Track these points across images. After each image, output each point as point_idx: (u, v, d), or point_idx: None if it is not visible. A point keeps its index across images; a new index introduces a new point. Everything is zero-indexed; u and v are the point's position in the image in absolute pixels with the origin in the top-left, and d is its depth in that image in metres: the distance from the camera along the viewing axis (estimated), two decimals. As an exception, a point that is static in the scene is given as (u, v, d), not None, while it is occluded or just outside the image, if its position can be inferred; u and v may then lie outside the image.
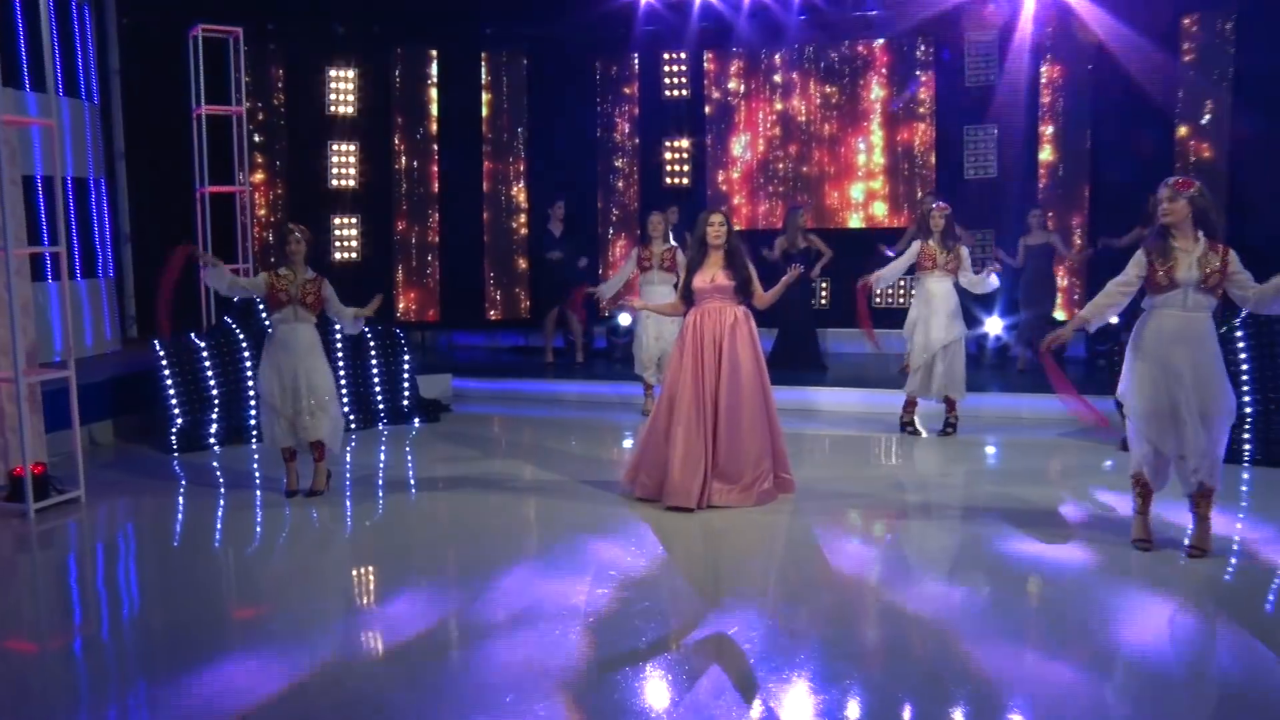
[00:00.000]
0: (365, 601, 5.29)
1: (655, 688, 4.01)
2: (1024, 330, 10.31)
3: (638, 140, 12.74)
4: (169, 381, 8.31)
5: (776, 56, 12.27)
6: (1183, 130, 10.58)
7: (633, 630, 4.56)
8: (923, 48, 11.81)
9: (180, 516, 6.77)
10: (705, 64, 12.49)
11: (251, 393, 7.90)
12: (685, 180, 12.61)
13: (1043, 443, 8.28)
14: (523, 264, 12.83)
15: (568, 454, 8.29)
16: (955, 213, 8.63)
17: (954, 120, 11.72)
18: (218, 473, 7.69)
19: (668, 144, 12.63)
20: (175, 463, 7.94)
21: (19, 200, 6.72)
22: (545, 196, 12.26)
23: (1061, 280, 10.98)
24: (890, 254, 8.98)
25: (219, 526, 6.46)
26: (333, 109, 12.21)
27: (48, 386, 6.87)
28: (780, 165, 12.39)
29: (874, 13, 11.76)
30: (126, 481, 7.36)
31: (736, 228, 6.82)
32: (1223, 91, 10.33)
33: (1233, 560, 5.44)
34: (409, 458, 8.33)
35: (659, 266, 9.16)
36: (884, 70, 12.00)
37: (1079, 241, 11.11)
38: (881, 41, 11.95)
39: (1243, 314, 6.99)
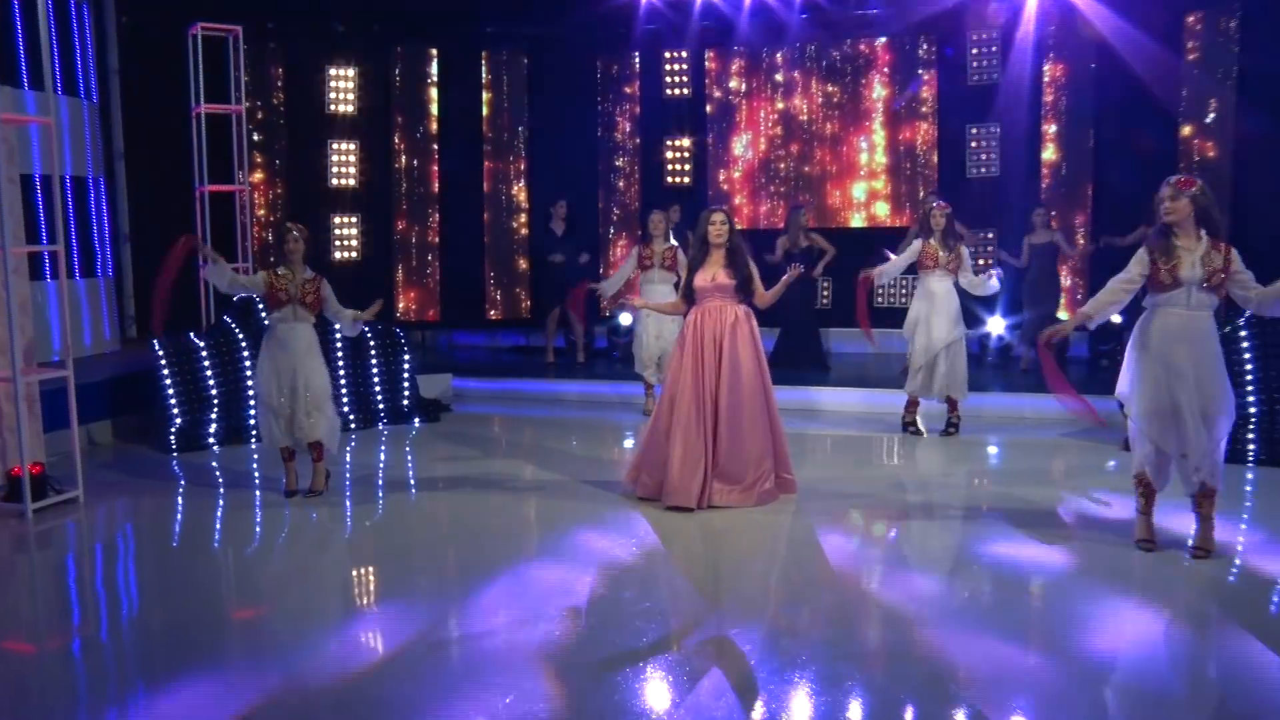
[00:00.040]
0: (365, 602, 5.27)
1: (656, 688, 3.99)
2: (1027, 330, 10.27)
3: (639, 139, 12.71)
4: (168, 381, 8.28)
5: (778, 55, 12.24)
6: (1186, 129, 10.54)
7: (633, 630, 4.55)
8: (925, 46, 11.78)
9: (179, 517, 6.75)
10: (707, 63, 12.46)
11: (251, 393, 7.87)
12: (686, 179, 12.58)
13: (1045, 443, 8.25)
14: (523, 264, 12.80)
15: (568, 454, 8.27)
16: (957, 212, 8.60)
17: (956, 119, 11.68)
18: (217, 473, 7.66)
19: (669, 143, 12.60)
20: (174, 463, 7.91)
21: (17, 199, 6.68)
22: (546, 196, 12.23)
23: (1065, 280, 10.94)
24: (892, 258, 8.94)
25: (218, 527, 6.44)
26: (333, 108, 12.18)
27: (46, 386, 6.84)
28: (782, 165, 12.36)
29: (875, 11, 11.72)
30: (125, 482, 7.34)
31: (738, 227, 6.79)
32: (1227, 90, 10.29)
33: (1237, 561, 5.42)
34: (409, 458, 8.31)
35: (660, 265, 9.13)
36: (886, 69, 11.96)
37: (1081, 241, 11.08)
38: (883, 40, 11.91)
39: (1246, 314, 6.97)
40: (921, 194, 11.35)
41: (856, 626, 4.65)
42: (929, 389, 8.36)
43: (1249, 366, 7.33)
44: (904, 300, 11.13)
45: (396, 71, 12.46)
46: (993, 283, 8.21)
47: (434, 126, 12.60)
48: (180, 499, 7.07)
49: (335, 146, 12.22)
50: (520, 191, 12.81)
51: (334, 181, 12.26)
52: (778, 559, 5.76)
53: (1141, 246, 5.33)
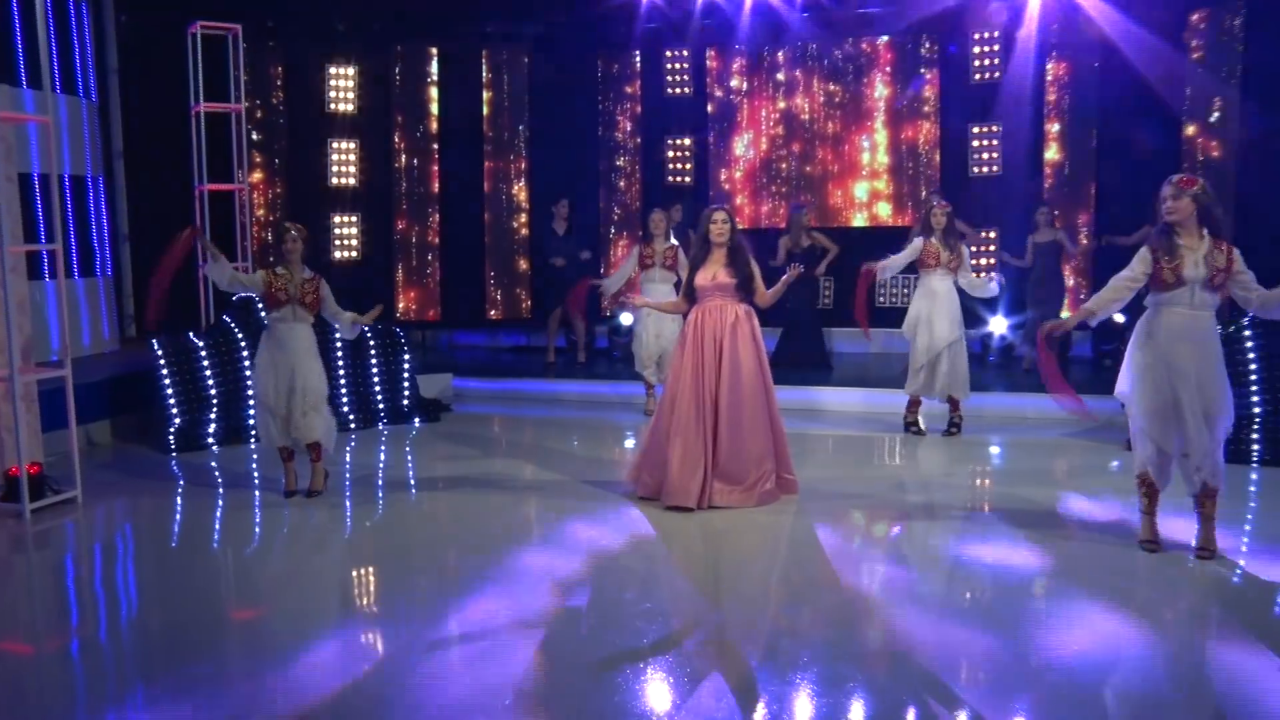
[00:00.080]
0: (364, 602, 5.25)
1: (657, 689, 3.97)
2: (1030, 329, 10.24)
3: (640, 139, 12.67)
4: (167, 381, 8.26)
5: (779, 54, 12.20)
6: (1190, 129, 10.50)
7: (634, 631, 4.53)
8: (927, 45, 11.74)
9: (178, 517, 6.72)
10: (708, 61, 12.41)
11: (250, 393, 7.85)
12: (688, 179, 12.54)
13: (1047, 443, 8.22)
14: (523, 264, 12.77)
15: (568, 454, 8.25)
16: (960, 211, 8.56)
17: (959, 118, 11.65)
18: (216, 473, 7.64)
19: (670, 142, 12.58)
20: (173, 463, 7.89)
21: (15, 197, 6.65)
22: (546, 195, 12.20)
23: (1068, 279, 10.90)
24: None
25: (217, 527, 6.41)
26: (332, 107, 12.15)
27: (44, 386, 6.81)
28: (783, 165, 12.32)
29: (877, 10, 11.69)
30: (124, 482, 7.31)
31: (739, 227, 6.76)
32: (1231, 89, 10.25)
33: (1241, 562, 5.39)
34: (409, 458, 8.29)
35: (661, 265, 9.11)
36: (888, 68, 11.93)
37: (1084, 240, 11.05)
38: (885, 39, 11.88)
39: (1250, 315, 6.94)
40: (924, 193, 11.32)
41: (858, 627, 4.62)
42: (930, 389, 8.33)
43: (1253, 367, 7.31)
44: (905, 300, 11.09)
45: (396, 70, 12.43)
46: (992, 286, 8.18)
47: (434, 126, 12.57)
48: (179, 499, 7.04)
49: (335, 146, 12.20)
50: (521, 191, 12.77)
51: (334, 181, 12.24)
52: (779, 559, 5.73)
53: (1144, 245, 5.31)
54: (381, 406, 9.21)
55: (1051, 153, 11.30)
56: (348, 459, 7.97)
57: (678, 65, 12.46)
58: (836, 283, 11.67)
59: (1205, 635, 4.55)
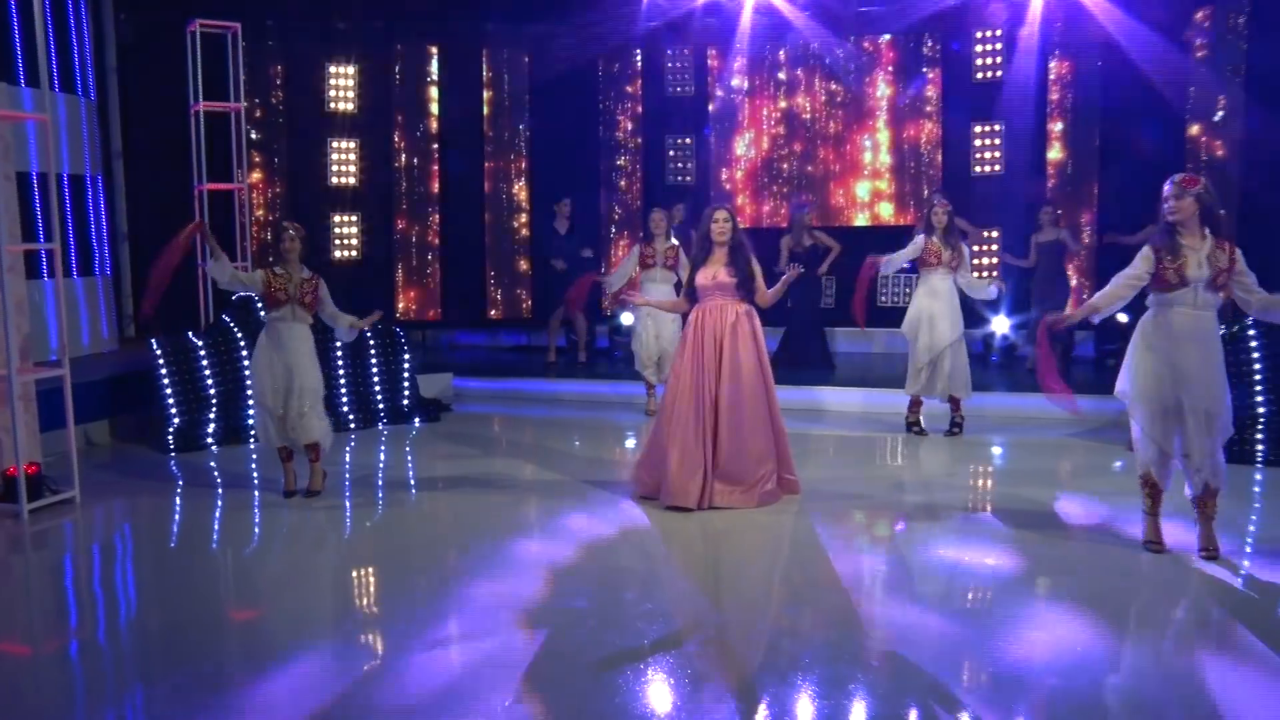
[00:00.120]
0: (364, 603, 5.22)
1: (657, 690, 3.95)
2: (1033, 329, 10.20)
3: (641, 138, 12.64)
4: (166, 381, 8.22)
5: (781, 53, 12.18)
6: (1194, 128, 10.47)
7: (635, 632, 4.50)
8: (929, 44, 11.71)
9: (177, 517, 6.69)
10: (709, 61, 12.39)
11: (250, 392, 7.82)
12: (689, 178, 12.52)
13: (1050, 443, 8.20)
14: (524, 264, 12.75)
15: (569, 454, 8.22)
16: (962, 211, 8.52)
17: (961, 117, 11.62)
18: (215, 473, 7.61)
19: (671, 142, 12.54)
20: (172, 463, 7.86)
21: (13, 196, 6.63)
22: (547, 195, 12.17)
23: (1072, 279, 10.86)
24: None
25: (216, 527, 6.38)
26: (332, 106, 12.13)
27: (42, 385, 6.78)
28: (785, 164, 12.29)
29: (879, 9, 11.65)
30: (122, 482, 7.28)
31: (741, 226, 6.72)
32: (1235, 88, 10.22)
33: (1246, 563, 5.36)
34: (409, 458, 8.26)
35: (662, 265, 9.08)
36: (890, 67, 11.90)
37: (1086, 239, 11.02)
38: (887, 38, 11.85)
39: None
40: (926, 193, 11.29)
41: (859, 628, 4.58)
42: (932, 388, 8.30)
43: (1257, 367, 7.27)
44: (905, 300, 11.06)
45: (397, 69, 12.40)
46: (991, 290, 8.14)
47: (434, 125, 12.54)
48: (178, 499, 7.01)
49: (335, 145, 12.17)
50: (521, 191, 12.74)
51: (334, 180, 12.21)
52: (780, 560, 5.70)
53: (1146, 245, 5.28)
54: (381, 406, 9.18)
55: (1054, 152, 11.28)
56: (347, 459, 7.94)
57: (679, 64, 12.43)
58: (838, 282, 11.63)
59: (1208, 636, 4.51)
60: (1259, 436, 7.23)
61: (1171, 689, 3.97)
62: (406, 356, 9.37)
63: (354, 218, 12.29)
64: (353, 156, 12.25)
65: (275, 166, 12.09)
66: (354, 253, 12.30)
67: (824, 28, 11.80)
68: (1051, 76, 11.20)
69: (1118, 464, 7.44)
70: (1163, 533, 5.44)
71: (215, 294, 9.12)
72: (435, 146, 12.56)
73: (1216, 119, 10.35)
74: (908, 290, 11.41)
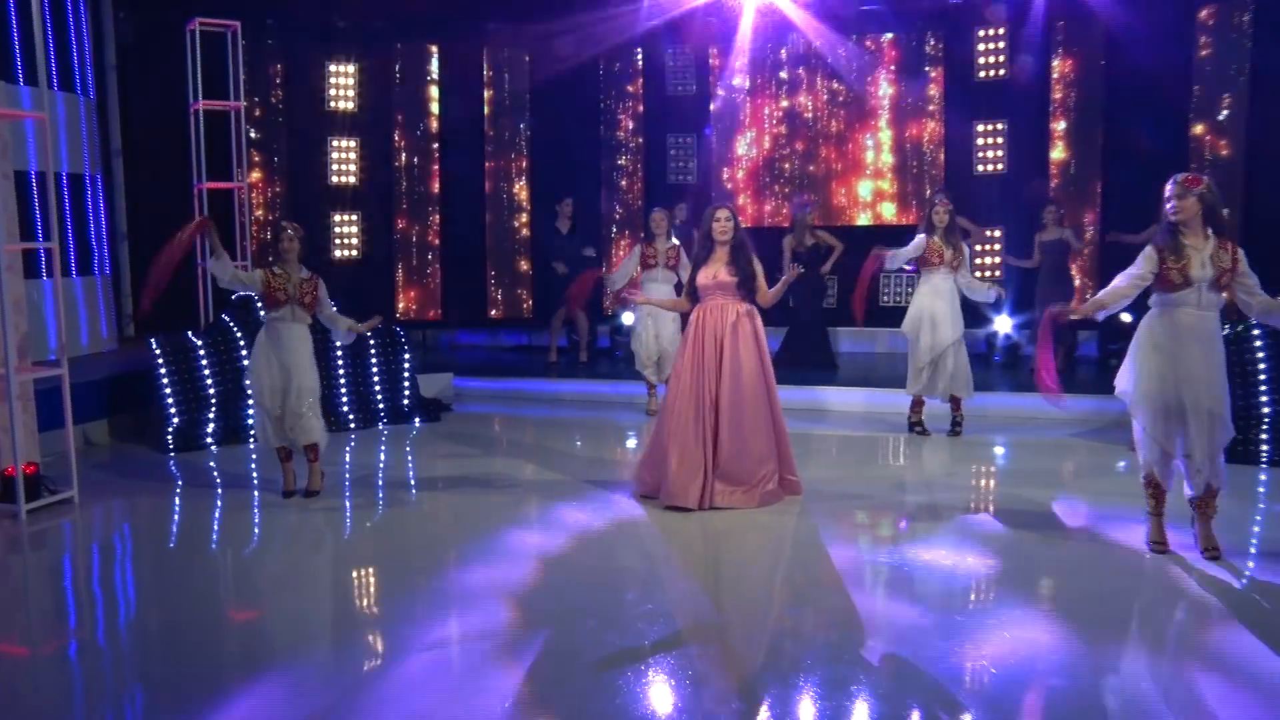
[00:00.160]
0: (364, 603, 5.20)
1: (658, 692, 3.92)
2: (1036, 330, 10.17)
3: (642, 138, 12.61)
4: (165, 380, 8.19)
5: (782, 51, 12.14)
6: (1198, 127, 10.43)
7: (636, 633, 4.48)
8: (931, 42, 11.68)
9: (176, 517, 6.67)
10: (710, 60, 12.36)
11: (249, 392, 7.80)
12: (690, 178, 12.49)
13: (1053, 443, 8.17)
14: (524, 264, 12.72)
15: (570, 454, 8.20)
16: (965, 210, 8.48)
17: (963, 116, 11.58)
18: (214, 473, 7.58)
19: (672, 141, 12.50)
20: (171, 463, 7.83)
21: (11, 195, 6.61)
22: (548, 195, 12.15)
23: (1076, 278, 10.83)
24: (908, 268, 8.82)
25: (215, 527, 6.35)
26: (332, 105, 12.10)
27: (41, 385, 6.76)
28: (786, 164, 12.26)
29: (881, 7, 11.61)
30: (121, 482, 7.26)
31: (743, 225, 6.70)
32: (1240, 86, 10.18)
33: (1250, 564, 5.33)
34: (409, 458, 8.23)
35: (663, 265, 9.05)
36: (892, 66, 11.87)
37: (1088, 236, 10.99)
38: (889, 36, 11.82)
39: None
40: (928, 192, 11.26)
41: (861, 629, 4.55)
42: (933, 389, 8.26)
43: (1262, 366, 7.24)
44: (907, 299, 11.02)
45: (397, 68, 12.38)
46: (990, 293, 8.09)
47: (434, 124, 12.52)
48: (177, 499, 6.98)
49: (335, 144, 12.15)
50: (522, 190, 12.71)
51: (334, 179, 12.19)
52: (781, 560, 5.68)
53: (1149, 245, 5.25)
54: (382, 406, 9.15)
55: (1058, 151, 11.23)
56: (347, 459, 7.92)
57: (680, 63, 12.40)
58: (841, 282, 11.60)
59: (1211, 637, 4.47)
60: (1264, 436, 7.19)
61: (1174, 690, 3.94)
62: (407, 356, 9.34)
63: (354, 217, 12.27)
64: (353, 156, 12.22)
65: (275, 165, 12.07)
66: (354, 252, 12.28)
67: (826, 26, 11.76)
68: (1055, 75, 11.16)
69: (1121, 464, 7.40)
70: (1167, 533, 5.41)
71: (216, 293, 9.10)
72: (435, 146, 12.53)
73: (1221, 118, 10.31)
74: (909, 289, 11.38)
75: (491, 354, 12.54)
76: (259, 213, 11.75)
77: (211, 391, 8.39)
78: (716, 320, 6.31)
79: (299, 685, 4.05)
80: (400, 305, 12.48)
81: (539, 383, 10.65)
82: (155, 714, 3.91)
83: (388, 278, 12.41)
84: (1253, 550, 5.57)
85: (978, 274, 10.24)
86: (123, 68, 11.24)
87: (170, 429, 8.13)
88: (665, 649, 4.31)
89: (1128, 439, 7.24)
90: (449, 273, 12.63)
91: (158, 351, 8.21)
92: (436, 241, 12.60)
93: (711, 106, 12.41)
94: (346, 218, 12.23)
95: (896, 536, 5.96)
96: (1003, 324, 10.60)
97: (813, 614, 4.80)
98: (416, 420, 9.22)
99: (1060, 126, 11.19)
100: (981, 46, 11.38)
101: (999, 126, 11.40)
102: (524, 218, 12.71)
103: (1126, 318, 7.59)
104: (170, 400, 8.19)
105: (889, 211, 11.96)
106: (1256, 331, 7.23)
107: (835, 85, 12.04)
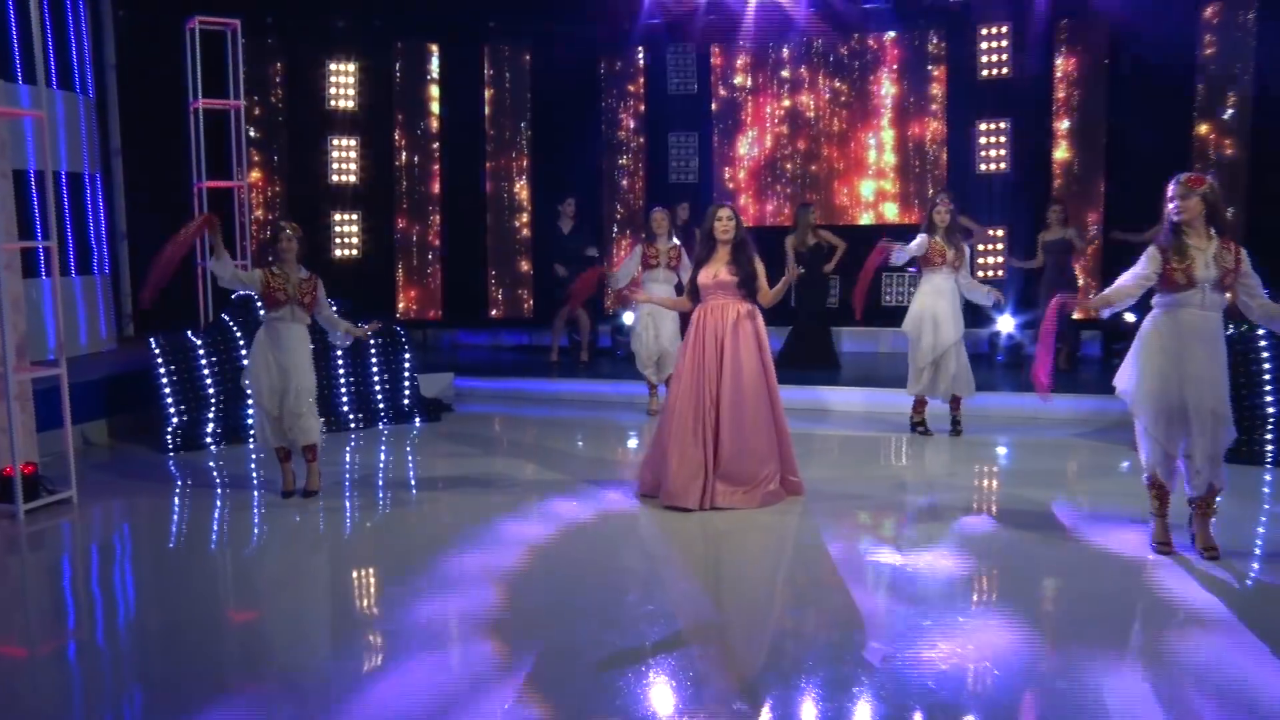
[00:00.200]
0: (364, 604, 5.17)
1: (659, 692, 3.89)
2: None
3: (643, 137, 12.59)
4: (165, 380, 8.16)
5: (784, 50, 12.12)
6: (1203, 126, 10.39)
7: (637, 633, 4.46)
8: (934, 41, 11.65)
9: (175, 517, 6.65)
10: (712, 58, 12.33)
11: (248, 392, 7.78)
12: (692, 177, 12.45)
13: (1056, 443, 8.14)
14: (525, 264, 12.69)
15: (570, 454, 8.17)
16: (968, 209, 8.44)
17: (966, 115, 11.54)
18: (213, 473, 7.56)
19: (674, 140, 12.47)
20: (170, 463, 7.80)
21: (9, 194, 6.58)
22: (548, 194, 12.12)
23: (1080, 278, 10.80)
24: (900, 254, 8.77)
25: (214, 528, 6.33)
26: (332, 104, 12.08)
27: (39, 385, 6.73)
28: (788, 163, 12.23)
29: (884, 5, 11.58)
30: (120, 482, 7.23)
31: (745, 224, 6.66)
32: (1244, 85, 10.15)
33: (1255, 565, 5.31)
34: (409, 458, 8.21)
35: (665, 265, 9.01)
36: (895, 65, 11.84)
37: (1089, 234, 10.96)
38: (892, 35, 11.79)
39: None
40: (931, 191, 11.23)
41: (863, 630, 4.52)
42: (934, 389, 8.23)
43: (1267, 366, 7.20)
44: (908, 299, 10.99)
45: (397, 67, 12.36)
46: (988, 296, 8.05)
47: (435, 124, 12.50)
48: (176, 499, 6.97)
49: (335, 143, 12.13)
50: (522, 190, 12.69)
51: (334, 179, 12.17)
52: (783, 560, 5.65)
53: (1151, 245, 5.22)
54: (382, 406, 9.12)
55: (1061, 150, 11.20)
56: (348, 459, 7.89)
57: (681, 62, 12.37)
58: (843, 281, 11.57)
59: (1214, 638, 4.44)
60: (1269, 437, 7.16)
61: (1177, 691, 3.91)
62: (407, 356, 9.32)
63: (354, 216, 12.24)
64: (353, 155, 12.20)
65: (275, 165, 12.05)
66: (354, 251, 12.25)
67: (828, 25, 11.73)
68: (1058, 74, 11.13)
69: (1124, 464, 7.37)
70: (1171, 534, 5.38)
71: (215, 292, 9.07)
72: (436, 145, 12.51)
73: (1226, 117, 10.27)
74: (911, 289, 11.34)
75: (492, 354, 12.52)
76: (259, 212, 11.74)
77: (211, 391, 8.36)
78: (717, 320, 6.28)
79: (299, 685, 4.03)
80: (400, 305, 12.46)
81: (540, 382, 10.62)
82: (154, 714, 3.88)
83: (388, 277, 12.39)
84: (1257, 551, 5.55)
85: (979, 274, 10.21)
86: (122, 66, 11.21)
87: (170, 428, 8.10)
88: (666, 649, 4.29)
89: (1129, 439, 7.23)
90: (449, 272, 12.61)
91: (157, 351, 8.18)
92: (437, 241, 12.58)
93: (713, 105, 12.37)
94: (346, 217, 12.21)
95: (898, 537, 5.93)
96: (1005, 324, 10.58)
97: (814, 614, 4.78)
98: (417, 420, 9.19)
99: (1063, 125, 11.16)
100: (984, 45, 11.34)
101: (1002, 125, 11.36)
102: (525, 217, 12.68)
103: (1130, 317, 7.56)
104: (170, 400, 8.16)
105: (891, 211, 11.93)
106: (1261, 331, 7.20)
107: (837, 84, 12.01)
